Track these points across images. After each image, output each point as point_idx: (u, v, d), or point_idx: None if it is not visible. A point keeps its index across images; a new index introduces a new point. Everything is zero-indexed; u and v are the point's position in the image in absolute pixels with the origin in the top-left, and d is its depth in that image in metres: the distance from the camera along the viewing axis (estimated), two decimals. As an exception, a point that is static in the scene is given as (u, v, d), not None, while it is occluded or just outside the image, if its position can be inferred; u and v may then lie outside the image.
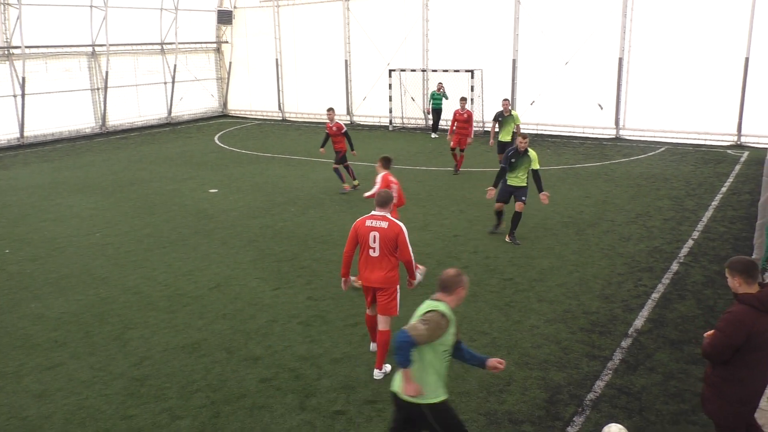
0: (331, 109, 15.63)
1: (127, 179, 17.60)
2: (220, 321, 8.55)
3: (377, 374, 6.98)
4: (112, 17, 25.93)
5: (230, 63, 31.60)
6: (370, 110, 27.12)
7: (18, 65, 23.54)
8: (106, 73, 26.47)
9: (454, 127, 16.92)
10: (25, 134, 24.06)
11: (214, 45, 31.60)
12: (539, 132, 22.87)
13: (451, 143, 17.11)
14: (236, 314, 8.75)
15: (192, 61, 30.67)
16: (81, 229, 13.04)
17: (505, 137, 15.80)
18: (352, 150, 15.54)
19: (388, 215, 6.86)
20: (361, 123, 27.45)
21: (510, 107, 16.34)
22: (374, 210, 6.89)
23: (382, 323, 6.92)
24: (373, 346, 7.48)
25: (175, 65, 29.21)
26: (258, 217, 13.52)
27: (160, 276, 10.28)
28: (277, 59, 29.67)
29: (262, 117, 30.79)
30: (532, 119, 22.85)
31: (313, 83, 28.81)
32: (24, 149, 23.25)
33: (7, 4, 22.91)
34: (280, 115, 30.22)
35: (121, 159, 21.00)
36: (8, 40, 23.34)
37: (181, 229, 12.80)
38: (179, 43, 29.26)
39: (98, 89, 26.71)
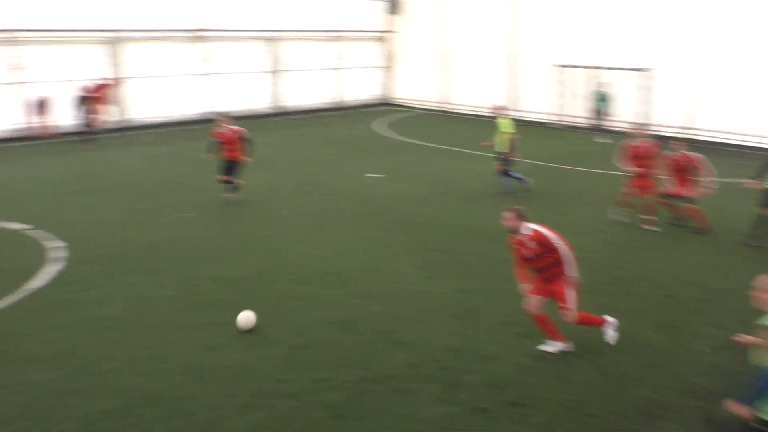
0: (224, 116, 13.96)
1: (296, 158, 18.62)
2: (373, 302, 8.84)
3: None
4: (289, 5, 27.44)
5: (395, 52, 32.24)
6: (533, 106, 26.49)
7: (205, 46, 25.66)
8: (282, 57, 28.09)
9: (636, 168, 12.22)
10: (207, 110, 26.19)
11: (381, 34, 32.41)
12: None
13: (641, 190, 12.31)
14: (389, 298, 9.00)
15: (359, 49, 31.66)
16: (259, 202, 13.99)
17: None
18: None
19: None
20: (524, 119, 26.93)
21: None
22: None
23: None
24: (559, 345, 7.41)
25: (343, 52, 30.36)
26: (417, 205, 13.77)
27: (321, 252, 10.82)
28: (442, 50, 29.84)
29: (424, 107, 31.16)
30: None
31: (477, 75, 28.66)
32: (205, 124, 25.29)
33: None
34: (443, 105, 30.41)
35: (291, 139, 22.25)
36: (200, 23, 25.49)
37: (343, 210, 13.36)
38: (348, 31, 30.35)
39: (274, 72, 28.43)
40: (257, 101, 28.00)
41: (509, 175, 14.83)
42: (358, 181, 15.97)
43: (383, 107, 31.69)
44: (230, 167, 13.63)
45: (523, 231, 7.13)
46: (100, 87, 22.35)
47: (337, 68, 30.51)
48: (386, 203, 13.97)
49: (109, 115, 23.09)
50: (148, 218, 12.68)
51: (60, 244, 11.05)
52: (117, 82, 23.39)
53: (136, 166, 17.51)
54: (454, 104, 30.03)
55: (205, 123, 25.12)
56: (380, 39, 32.49)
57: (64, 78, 21.94)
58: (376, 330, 8.02)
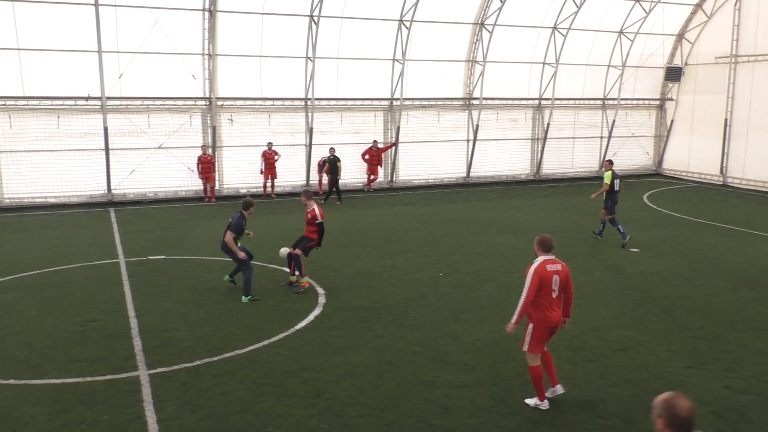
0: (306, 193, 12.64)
1: (551, 226, 18.29)
2: (622, 386, 8.16)
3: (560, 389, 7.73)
4: (559, 74, 27.45)
5: (672, 120, 30.26)
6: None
7: (474, 114, 26.77)
8: (548, 124, 28.11)
9: None
10: (471, 174, 27.11)
11: (657, 102, 30.72)
12: None
13: None
14: (640, 383, 8.24)
15: (631, 117, 30.36)
16: (503, 266, 14.03)
17: None
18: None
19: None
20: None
21: None
22: (544, 255, 7.55)
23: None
24: (557, 388, 7.76)
25: (614, 120, 29.34)
26: (679, 286, 12.55)
27: (568, 326, 10.33)
28: (726, 119, 27.25)
29: (698, 179, 28.59)
30: None
31: (761, 147, 25.58)
32: (467, 188, 26.21)
33: (474, 61, 26.26)
34: (721, 179, 27.59)
35: (549, 206, 21.95)
36: (470, 92, 26.76)
37: (595, 283, 12.70)
38: (621, 99, 29.32)
39: (537, 139, 28.55)
40: (517, 167, 28.32)
41: None
42: (616, 254, 15.08)
43: (653, 178, 29.78)
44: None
45: None
46: (377, 150, 24.64)
47: (605, 137, 29.57)
48: (644, 280, 12.96)
49: (377, 175, 25.23)
50: (405, 275, 13.36)
51: (321, 291, 12.17)
52: (389, 146, 25.49)
53: (400, 224, 18.68)
54: (734, 177, 27.09)
55: (460, 187, 26.07)
56: (658, 107, 30.85)
57: (344, 141, 24.58)
58: (623, 416, 7.37)
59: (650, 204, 22.55)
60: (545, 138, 28.26)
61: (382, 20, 23.98)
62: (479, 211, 20.91)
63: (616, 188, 16.42)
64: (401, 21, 24.16)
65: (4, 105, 20.27)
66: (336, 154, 23.05)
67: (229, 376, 8.44)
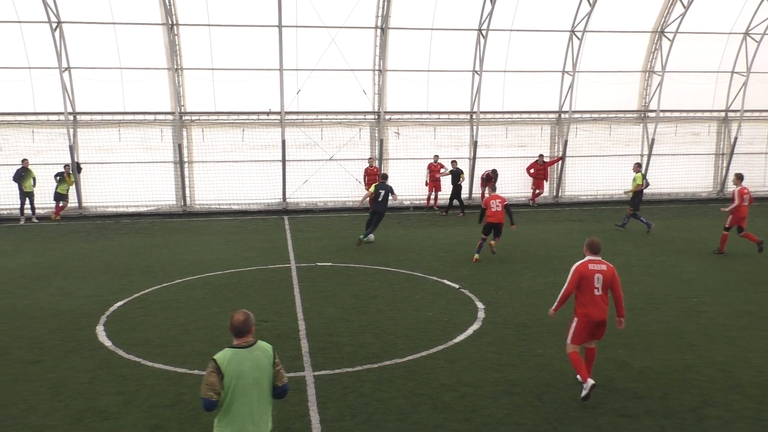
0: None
1: (735, 249, 16.66)
2: (818, 433, 7.21)
3: (591, 383, 7.88)
4: (750, 83, 25.04)
5: None
6: None
7: (650, 127, 25.20)
8: (735, 138, 25.75)
9: None
10: (645, 190, 25.47)
11: None
12: None
13: None
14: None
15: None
16: (678, 291, 13.02)
17: None
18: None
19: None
20: None
21: None
22: (590, 256, 8.18)
23: (593, 343, 8.41)
24: (588, 383, 7.89)
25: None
26: None
27: (754, 359, 9.36)
28: None
29: None
30: None
31: None
32: (641, 205, 24.66)
33: (652, 71, 24.75)
34: None
35: (733, 228, 20.00)
36: (646, 104, 25.25)
37: (788, 315, 11.37)
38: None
39: (722, 154, 26.24)
40: (698, 185, 26.23)
41: None
42: (815, 284, 13.41)
43: None
44: None
45: None
46: (543, 164, 24.08)
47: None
48: None
49: (543, 190, 24.60)
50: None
51: (481, 305, 12.05)
52: (556, 159, 24.75)
53: (564, 241, 18.03)
54: None
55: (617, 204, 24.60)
56: None
57: (509, 155, 24.29)
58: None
59: None
60: (732, 153, 25.91)
61: (552, 32, 23.44)
62: (653, 230, 19.59)
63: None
64: (573, 32, 23.44)
65: (198, 119, 22.46)
66: (458, 166, 22.94)
67: (388, 383, 8.62)
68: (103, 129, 21.99)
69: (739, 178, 16.61)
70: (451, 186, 22.88)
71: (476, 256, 15.51)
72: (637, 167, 19.94)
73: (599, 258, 8.18)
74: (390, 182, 17.92)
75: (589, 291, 8.03)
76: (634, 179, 19.50)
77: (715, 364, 9.19)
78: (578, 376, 8.30)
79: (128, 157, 22.19)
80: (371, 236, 17.61)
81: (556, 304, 8.31)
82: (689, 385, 8.49)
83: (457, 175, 22.73)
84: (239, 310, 5.39)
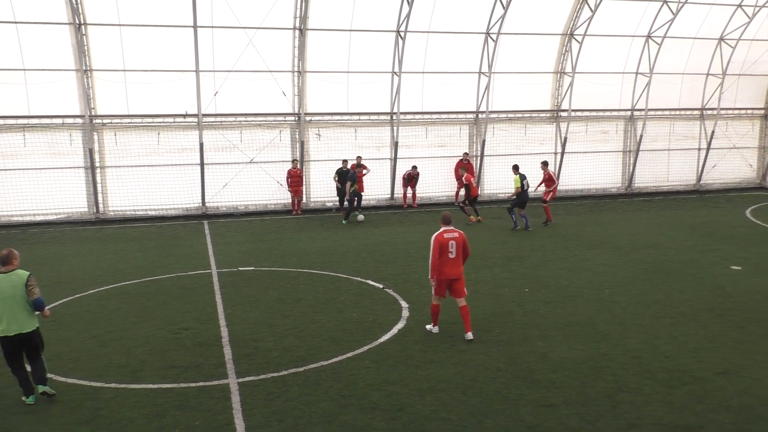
0: None
1: (643, 242, 17.57)
2: (723, 412, 7.69)
3: (470, 336, 10.15)
4: (653, 84, 26.43)
5: (777, 131, 28.52)
6: None
7: (562, 126, 26.17)
8: (640, 136, 27.08)
9: None
10: (558, 187, 26.41)
11: (762, 111, 29.01)
12: None
13: None
14: (743, 410, 7.74)
15: (732, 128, 28.79)
16: (592, 283, 13.58)
17: None
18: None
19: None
20: None
21: None
22: (445, 227, 10.13)
23: (463, 302, 10.27)
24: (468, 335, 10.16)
25: (713, 131, 27.92)
26: (787, 307, 11.73)
27: (662, 346, 9.88)
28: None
29: (809, 193, 26.75)
30: None
31: None
32: (554, 201, 25.56)
33: (563, 72, 25.71)
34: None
35: (641, 221, 21.09)
36: (558, 104, 26.19)
37: (693, 303, 12.07)
38: (721, 109, 27.87)
39: (629, 151, 27.55)
40: (608, 181, 27.43)
41: None
42: (716, 273, 14.29)
43: (756, 192, 28.13)
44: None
45: None
46: (469, 163, 24.48)
47: (703, 148, 28.21)
48: (748, 300, 12.20)
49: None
50: (490, 290, 13.17)
51: (405, 304, 12.17)
52: (470, 159, 25.28)
53: (486, 238, 18.43)
54: None
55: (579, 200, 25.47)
56: (762, 117, 29.15)
57: (429, 154, 24.68)
58: (723, 445, 6.94)
59: (754, 219, 21.25)
60: (638, 150, 27.24)
61: (468, 33, 23.91)
62: (567, 225, 20.35)
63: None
64: (488, 34, 24.00)
65: (111, 123, 21.60)
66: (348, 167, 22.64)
67: (314, 386, 8.57)
68: (5, 133, 20.78)
69: (545, 164, 21.19)
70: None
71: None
72: (515, 170, 20.11)
73: (452, 227, 10.13)
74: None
75: (445, 254, 9.96)
76: (514, 181, 19.89)
77: (628, 352, 9.64)
78: (429, 325, 10.60)
79: (35, 163, 21.04)
80: (360, 216, 21.43)
81: (430, 271, 10.09)
82: (604, 373, 8.87)
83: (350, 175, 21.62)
84: (6, 248, 8.13)
